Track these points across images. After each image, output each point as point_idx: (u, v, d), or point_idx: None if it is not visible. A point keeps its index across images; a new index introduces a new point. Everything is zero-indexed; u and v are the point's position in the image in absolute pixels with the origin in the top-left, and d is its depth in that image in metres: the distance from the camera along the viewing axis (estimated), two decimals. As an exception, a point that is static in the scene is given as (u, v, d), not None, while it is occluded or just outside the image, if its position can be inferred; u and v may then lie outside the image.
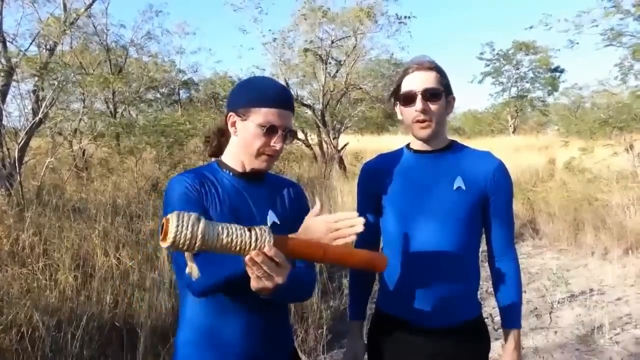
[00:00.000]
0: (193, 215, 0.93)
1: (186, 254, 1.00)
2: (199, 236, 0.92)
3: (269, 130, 1.29)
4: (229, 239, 0.95)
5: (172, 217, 0.91)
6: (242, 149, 1.34)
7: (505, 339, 1.51)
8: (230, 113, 1.35)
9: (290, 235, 1.10)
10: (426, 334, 1.47)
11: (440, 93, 1.44)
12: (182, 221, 0.91)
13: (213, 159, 1.44)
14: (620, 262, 5.42)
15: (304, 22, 11.13)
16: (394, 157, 1.60)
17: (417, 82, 1.44)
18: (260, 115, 1.29)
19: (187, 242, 0.91)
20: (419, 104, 1.43)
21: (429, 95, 1.43)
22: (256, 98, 1.30)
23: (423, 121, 1.44)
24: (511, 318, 1.51)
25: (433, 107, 1.44)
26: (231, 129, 1.36)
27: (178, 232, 0.90)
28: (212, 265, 1.14)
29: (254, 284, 1.05)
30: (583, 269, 5.43)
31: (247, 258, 0.99)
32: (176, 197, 1.26)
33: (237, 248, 0.97)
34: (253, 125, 1.29)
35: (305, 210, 1.48)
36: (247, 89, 1.35)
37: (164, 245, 0.92)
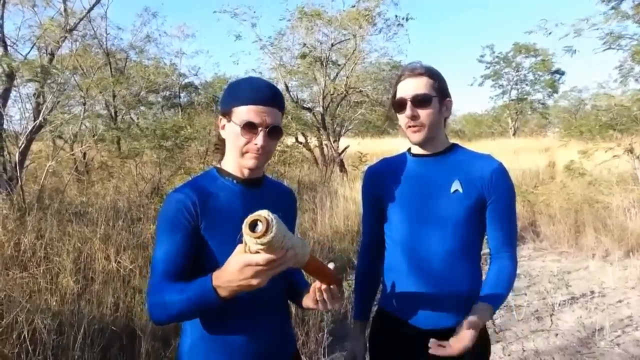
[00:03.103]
0: (278, 217, 0.94)
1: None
2: (284, 241, 0.94)
3: (247, 128, 1.27)
4: (291, 244, 0.98)
5: (274, 218, 0.91)
6: (230, 151, 1.34)
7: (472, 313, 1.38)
8: (220, 117, 1.36)
9: None
10: (425, 335, 1.47)
11: (430, 98, 1.46)
12: (280, 225, 0.92)
13: (213, 165, 1.44)
14: (621, 264, 5.43)
15: (300, 26, 11.14)
16: (396, 161, 1.63)
17: (407, 88, 1.47)
18: (239, 113, 1.28)
19: (279, 244, 0.93)
20: (408, 110, 1.46)
21: (418, 101, 1.45)
22: (235, 98, 1.30)
23: (414, 126, 1.47)
24: (487, 296, 1.42)
25: (423, 112, 1.46)
26: (222, 133, 1.36)
27: (277, 234, 0.90)
28: (172, 293, 1.14)
29: (317, 307, 1.25)
30: (584, 272, 5.43)
31: (317, 295, 1.22)
32: (169, 224, 1.24)
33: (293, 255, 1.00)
34: (234, 125, 1.29)
35: (294, 214, 1.52)
36: (228, 90, 1.35)
37: (263, 240, 0.90)
